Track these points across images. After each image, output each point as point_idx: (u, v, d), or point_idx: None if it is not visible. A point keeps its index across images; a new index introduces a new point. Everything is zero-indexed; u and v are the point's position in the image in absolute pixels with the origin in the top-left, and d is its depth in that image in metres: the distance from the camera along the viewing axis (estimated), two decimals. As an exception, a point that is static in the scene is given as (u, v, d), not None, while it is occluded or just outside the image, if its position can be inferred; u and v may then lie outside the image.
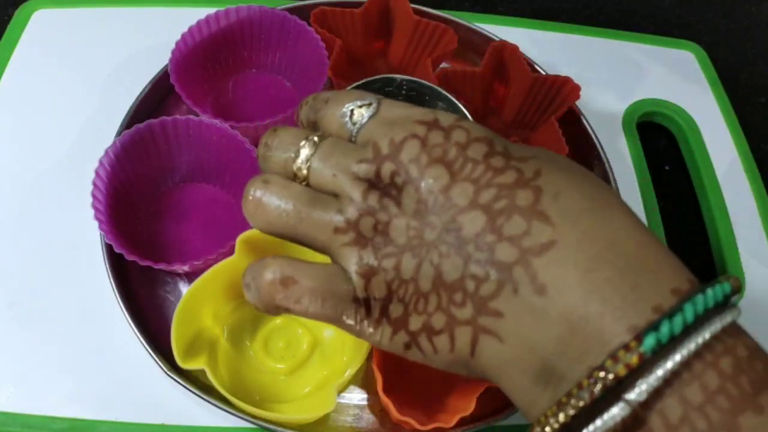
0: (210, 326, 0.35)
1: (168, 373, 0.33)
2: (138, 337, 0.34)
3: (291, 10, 0.44)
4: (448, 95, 0.39)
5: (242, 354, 0.36)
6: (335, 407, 0.34)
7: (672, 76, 0.53)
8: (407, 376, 0.35)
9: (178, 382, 0.33)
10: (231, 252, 0.34)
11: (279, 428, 0.33)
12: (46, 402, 0.34)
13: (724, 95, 0.52)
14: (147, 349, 0.34)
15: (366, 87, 0.39)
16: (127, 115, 0.41)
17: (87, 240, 0.38)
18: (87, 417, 0.34)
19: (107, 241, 0.34)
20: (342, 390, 0.36)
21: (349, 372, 0.33)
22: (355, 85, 0.38)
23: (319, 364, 0.36)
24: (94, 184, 0.35)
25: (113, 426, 0.34)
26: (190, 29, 0.42)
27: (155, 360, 0.34)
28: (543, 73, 0.46)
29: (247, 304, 0.37)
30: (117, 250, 0.34)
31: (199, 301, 0.34)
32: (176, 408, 0.35)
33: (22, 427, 0.34)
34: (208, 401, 0.33)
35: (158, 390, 0.35)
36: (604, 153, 0.44)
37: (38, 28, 0.47)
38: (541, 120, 0.45)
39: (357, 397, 0.36)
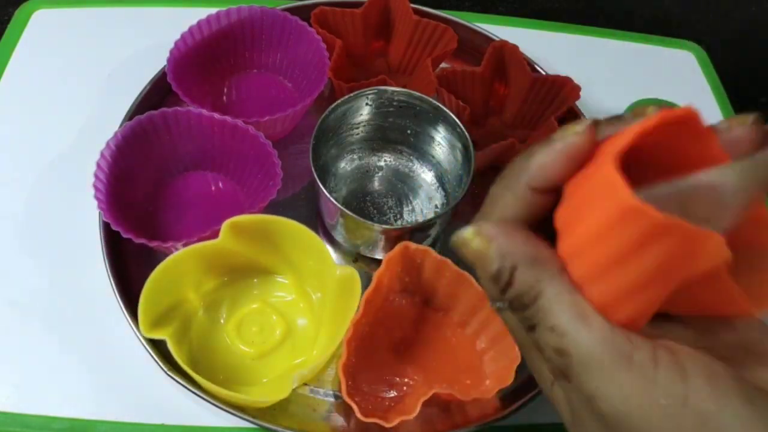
0: (191, 299, 0.36)
1: (168, 373, 0.33)
2: (138, 338, 0.34)
3: (291, 10, 0.44)
4: (440, 105, 0.39)
5: (215, 333, 0.36)
6: (314, 403, 0.35)
7: (672, 76, 0.53)
8: (371, 378, 0.35)
9: (178, 382, 0.33)
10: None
11: (279, 428, 0.33)
12: (46, 402, 0.34)
13: (724, 95, 0.52)
14: (147, 350, 0.34)
15: (358, 98, 0.39)
16: (127, 115, 0.41)
17: (87, 241, 0.38)
18: (87, 417, 0.34)
19: (104, 219, 0.34)
20: (307, 381, 0.36)
21: (315, 365, 0.33)
22: (347, 97, 0.38)
23: (289, 353, 0.36)
24: (98, 165, 0.36)
25: (113, 426, 0.34)
26: (190, 29, 0.42)
27: (155, 360, 0.34)
28: (543, 73, 0.46)
29: (230, 286, 0.37)
30: (114, 227, 0.34)
31: (178, 273, 0.34)
32: (176, 408, 0.35)
33: (22, 427, 0.34)
34: (208, 401, 0.33)
35: (158, 390, 0.35)
36: (604, 153, 0.44)
37: (38, 28, 0.47)
38: (541, 120, 0.45)
39: (334, 393, 0.36)
